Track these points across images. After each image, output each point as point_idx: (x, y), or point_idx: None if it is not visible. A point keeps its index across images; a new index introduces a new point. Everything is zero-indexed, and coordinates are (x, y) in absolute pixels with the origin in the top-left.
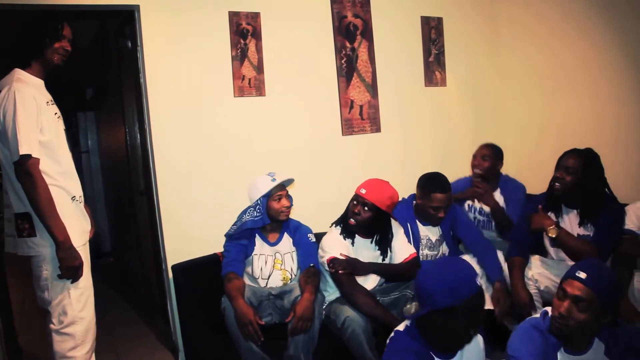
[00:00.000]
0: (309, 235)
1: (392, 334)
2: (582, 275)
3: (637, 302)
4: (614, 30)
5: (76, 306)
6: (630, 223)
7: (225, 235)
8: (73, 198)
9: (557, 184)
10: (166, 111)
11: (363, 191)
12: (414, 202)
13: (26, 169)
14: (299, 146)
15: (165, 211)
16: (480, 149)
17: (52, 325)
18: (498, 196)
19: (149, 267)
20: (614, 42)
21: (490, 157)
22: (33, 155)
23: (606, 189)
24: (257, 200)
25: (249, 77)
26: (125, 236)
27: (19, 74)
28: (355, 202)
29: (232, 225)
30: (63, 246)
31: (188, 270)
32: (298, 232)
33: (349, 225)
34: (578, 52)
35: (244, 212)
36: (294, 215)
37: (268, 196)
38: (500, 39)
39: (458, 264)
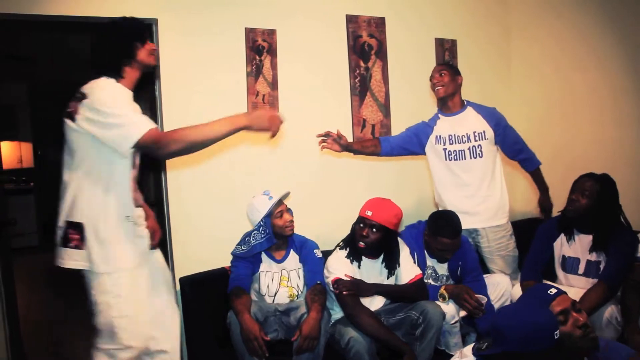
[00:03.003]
0: (315, 251)
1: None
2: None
3: None
4: (625, 54)
5: (123, 334)
6: None
7: (232, 254)
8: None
9: (570, 206)
10: (180, 123)
11: (369, 213)
12: (424, 230)
13: (156, 143)
14: (311, 163)
15: (175, 222)
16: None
17: (99, 345)
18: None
19: None
20: (625, 66)
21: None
22: (149, 128)
23: (621, 216)
24: (260, 222)
25: (263, 93)
26: None
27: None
28: (361, 225)
29: (237, 245)
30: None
31: (196, 283)
32: (304, 248)
33: (358, 248)
34: (590, 76)
35: (249, 234)
36: (306, 232)
37: (270, 215)
38: (513, 61)
39: (541, 311)
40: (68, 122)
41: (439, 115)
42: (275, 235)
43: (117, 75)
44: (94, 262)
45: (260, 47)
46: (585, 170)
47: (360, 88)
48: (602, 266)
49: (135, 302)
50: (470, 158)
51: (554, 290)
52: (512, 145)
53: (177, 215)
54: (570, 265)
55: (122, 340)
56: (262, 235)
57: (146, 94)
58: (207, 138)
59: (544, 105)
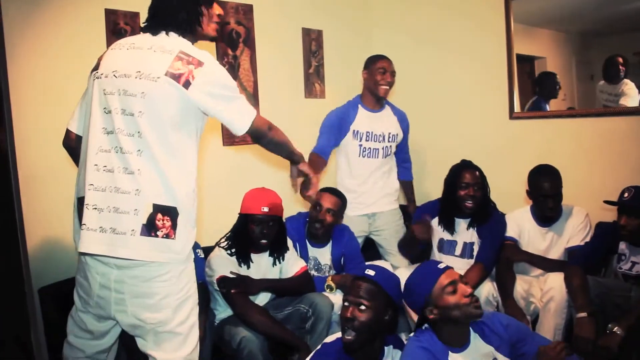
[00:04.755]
0: (197, 250)
1: (319, 347)
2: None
3: (520, 304)
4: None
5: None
6: (510, 230)
7: None
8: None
9: (469, 202)
10: (32, 112)
11: (266, 209)
12: (305, 221)
13: (264, 127)
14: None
15: (30, 226)
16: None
17: (169, 355)
18: None
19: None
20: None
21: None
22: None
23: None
24: None
25: None
26: None
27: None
28: (258, 224)
29: None
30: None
31: (60, 294)
32: None
33: (249, 248)
34: (452, 65)
35: None
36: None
37: None
38: (375, 51)
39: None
40: (171, 85)
41: (360, 107)
42: None
43: (193, 39)
44: (181, 252)
45: (122, 31)
46: (449, 161)
47: None
48: (475, 247)
49: None
50: (382, 157)
51: (443, 265)
52: (405, 152)
53: (32, 219)
54: (447, 247)
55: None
56: None
57: None
58: (285, 148)
59: (403, 93)
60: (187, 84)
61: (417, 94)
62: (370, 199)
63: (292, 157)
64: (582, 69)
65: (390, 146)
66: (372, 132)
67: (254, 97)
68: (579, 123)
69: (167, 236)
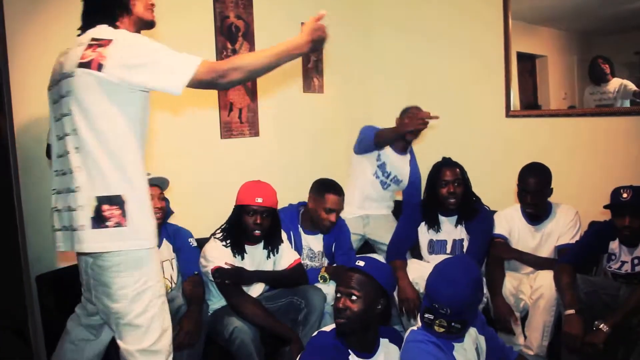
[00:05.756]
0: (189, 240)
1: (316, 334)
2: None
3: (510, 301)
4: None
5: (162, 314)
6: (500, 228)
7: None
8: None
9: (452, 199)
10: (31, 98)
11: (260, 200)
12: (300, 208)
13: (216, 72)
14: (176, 148)
15: (29, 209)
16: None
17: (130, 347)
18: None
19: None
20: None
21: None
22: (201, 59)
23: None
24: None
25: None
26: None
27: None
28: (252, 215)
29: None
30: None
31: (58, 281)
32: (178, 237)
33: (243, 239)
34: (443, 61)
35: None
36: (173, 220)
37: None
38: (374, 47)
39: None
40: (85, 74)
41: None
42: None
43: (113, 25)
44: (137, 237)
45: None
46: (437, 154)
47: None
48: (465, 243)
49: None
50: (385, 189)
51: None
52: (411, 195)
53: (30, 206)
54: (438, 247)
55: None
56: None
57: None
58: (266, 64)
59: (402, 89)
60: (100, 67)
61: (414, 90)
62: (366, 204)
63: (291, 58)
64: (584, 68)
65: (393, 185)
66: (389, 170)
67: (252, 92)
68: (576, 122)
69: (118, 224)
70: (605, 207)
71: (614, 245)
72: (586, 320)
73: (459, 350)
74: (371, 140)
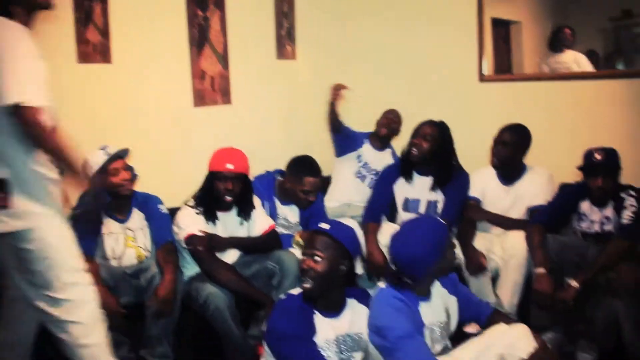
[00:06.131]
0: (159, 206)
1: (284, 297)
2: None
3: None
4: None
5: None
6: (474, 190)
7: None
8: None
9: (414, 150)
10: None
11: (230, 166)
12: (277, 176)
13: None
14: (149, 117)
15: None
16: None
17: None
18: None
19: None
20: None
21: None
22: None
23: (453, 159)
24: None
25: (93, 42)
26: None
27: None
28: (223, 180)
29: (72, 209)
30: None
31: None
32: (148, 204)
33: (215, 205)
34: (415, 26)
35: (84, 194)
36: (146, 189)
37: (104, 172)
38: (346, 14)
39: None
40: None
41: (365, 142)
42: (110, 194)
43: (4, 13)
44: (23, 217)
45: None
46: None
47: (199, 39)
48: (439, 205)
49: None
50: (364, 183)
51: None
52: None
53: None
54: (412, 206)
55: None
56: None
57: None
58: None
59: (375, 57)
60: None
61: (387, 57)
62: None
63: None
64: None
65: (373, 177)
66: (371, 165)
67: (224, 59)
68: (547, 86)
69: (3, 207)
70: (579, 168)
71: (584, 205)
72: (556, 279)
73: (425, 308)
74: (331, 131)
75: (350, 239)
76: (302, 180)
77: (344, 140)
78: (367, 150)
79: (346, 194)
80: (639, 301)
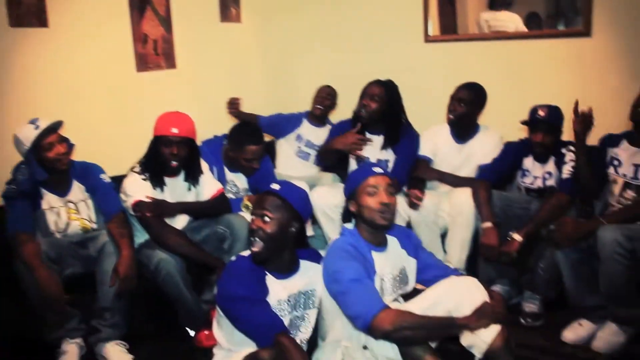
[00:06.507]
0: (101, 176)
1: (234, 259)
2: None
3: (430, 219)
4: None
5: None
6: (425, 149)
7: (2, 196)
8: None
9: (363, 111)
10: None
11: (175, 130)
12: (225, 142)
13: None
14: (89, 84)
15: None
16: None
17: None
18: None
19: None
20: None
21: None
22: None
23: (403, 118)
24: (28, 156)
25: (27, 4)
26: None
27: None
28: (168, 145)
29: (7, 184)
30: None
31: None
32: (88, 175)
33: (162, 171)
34: None
35: (17, 169)
36: (89, 158)
37: (37, 147)
38: None
39: None
40: None
41: (304, 121)
42: (47, 169)
43: None
44: None
45: None
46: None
47: (140, 1)
48: (390, 164)
49: None
50: (308, 161)
51: (380, 170)
52: None
53: None
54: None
55: None
56: (30, 171)
57: None
58: None
59: (317, 17)
60: None
61: (332, 19)
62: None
63: None
64: None
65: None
66: (311, 141)
67: (166, 22)
68: (491, 46)
69: None
70: (523, 122)
71: (527, 161)
72: (501, 232)
73: (379, 257)
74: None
75: (301, 200)
76: (244, 149)
77: (278, 125)
78: (306, 128)
79: (290, 174)
80: (578, 252)
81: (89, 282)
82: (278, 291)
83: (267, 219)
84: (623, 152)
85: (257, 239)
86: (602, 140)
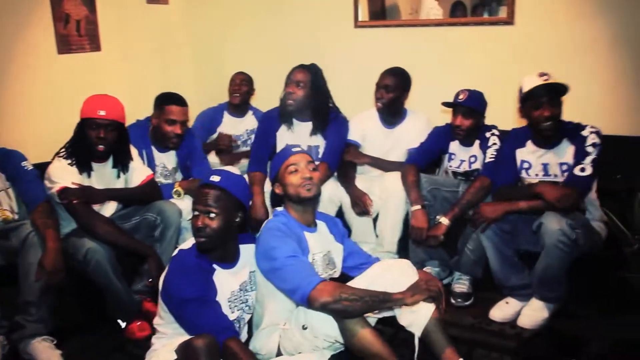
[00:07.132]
0: (23, 163)
1: (176, 253)
2: None
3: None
4: None
5: None
6: (354, 134)
7: None
8: None
9: (289, 100)
10: None
11: (102, 112)
12: (150, 124)
13: None
14: (7, 67)
15: None
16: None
17: None
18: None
19: None
20: None
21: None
22: None
23: (330, 102)
24: None
25: None
26: None
27: None
28: (95, 128)
29: None
30: None
31: None
32: (8, 163)
33: (88, 155)
34: None
35: None
36: (10, 145)
37: None
38: None
39: None
40: None
41: (225, 114)
42: None
43: None
44: None
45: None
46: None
47: None
48: (321, 150)
49: None
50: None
51: (299, 149)
52: None
53: None
54: None
55: None
56: None
57: None
58: None
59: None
60: None
61: (259, 1)
62: None
63: None
64: None
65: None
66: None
67: (90, 1)
68: (420, 32)
69: None
70: (443, 104)
71: (453, 145)
72: (431, 215)
73: (311, 237)
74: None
75: (243, 189)
76: (165, 110)
77: (204, 124)
78: (228, 121)
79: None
80: (499, 235)
81: (11, 274)
82: (230, 283)
83: (212, 215)
84: (530, 154)
85: (203, 237)
86: (509, 140)
